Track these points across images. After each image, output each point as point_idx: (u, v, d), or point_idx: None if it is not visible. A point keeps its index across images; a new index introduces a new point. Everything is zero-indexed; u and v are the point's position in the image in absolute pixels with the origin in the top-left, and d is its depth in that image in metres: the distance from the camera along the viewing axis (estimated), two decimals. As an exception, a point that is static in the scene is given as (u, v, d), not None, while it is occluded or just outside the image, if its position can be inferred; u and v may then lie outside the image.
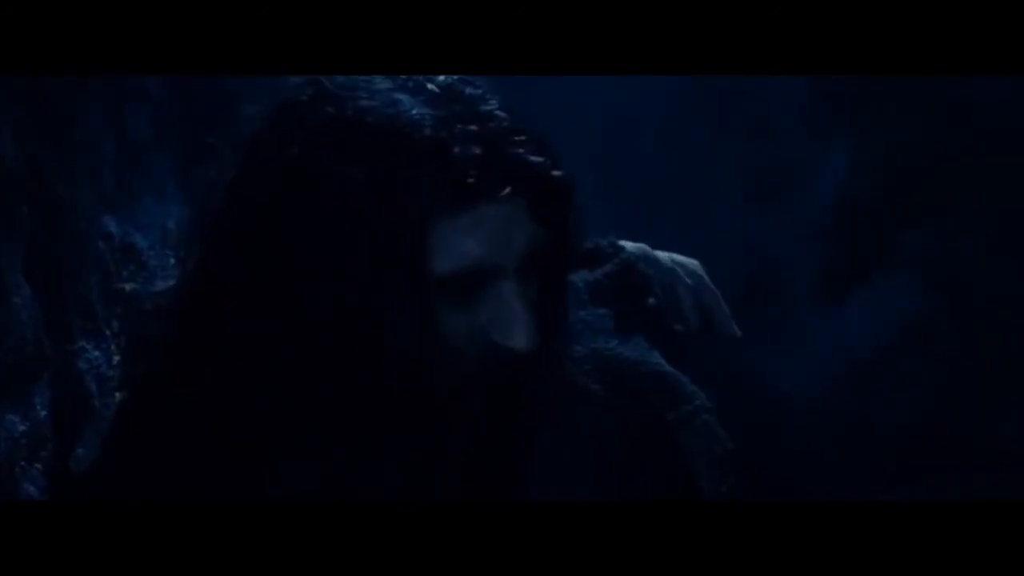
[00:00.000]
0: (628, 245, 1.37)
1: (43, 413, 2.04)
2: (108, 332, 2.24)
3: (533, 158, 1.11)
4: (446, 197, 1.08)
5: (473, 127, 1.10)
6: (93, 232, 2.23)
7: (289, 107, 1.13)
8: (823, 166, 3.31)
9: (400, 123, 1.09)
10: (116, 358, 2.23)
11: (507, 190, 1.10)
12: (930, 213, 3.16)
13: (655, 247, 1.38)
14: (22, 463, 1.98)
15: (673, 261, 1.34)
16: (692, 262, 1.34)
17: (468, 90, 1.14)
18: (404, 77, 1.13)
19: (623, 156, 3.58)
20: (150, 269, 2.31)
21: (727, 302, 1.36)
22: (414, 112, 1.09)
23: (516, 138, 1.11)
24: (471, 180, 1.08)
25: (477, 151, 1.09)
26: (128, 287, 2.24)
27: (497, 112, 1.12)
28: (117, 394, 2.16)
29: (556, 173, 1.14)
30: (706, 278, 1.32)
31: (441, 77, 1.14)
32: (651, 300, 1.29)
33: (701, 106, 3.44)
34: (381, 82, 1.13)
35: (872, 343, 3.22)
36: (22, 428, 1.99)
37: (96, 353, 2.20)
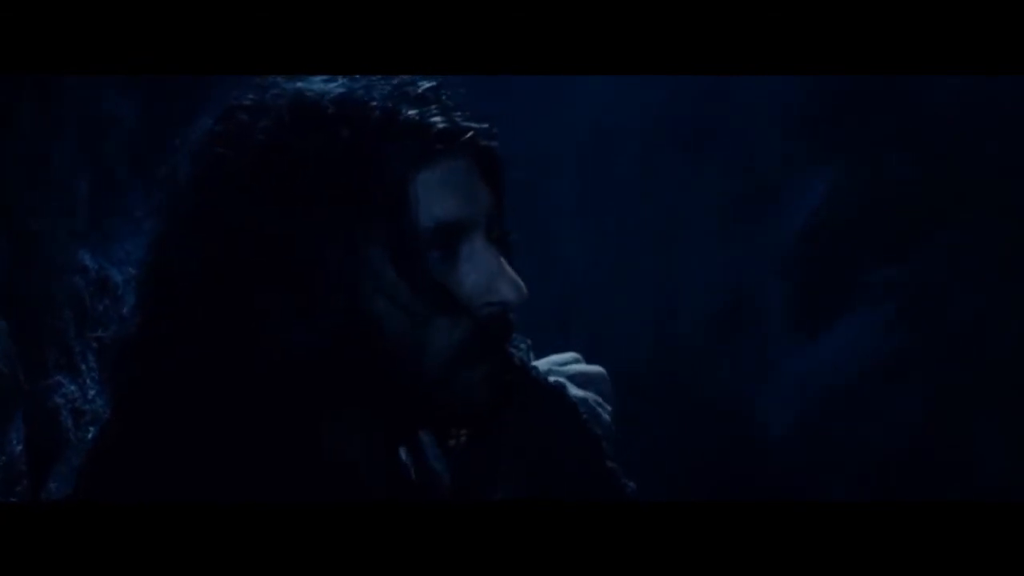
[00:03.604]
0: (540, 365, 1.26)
1: (18, 448, 2.03)
2: (83, 366, 2.23)
3: (472, 124, 1.19)
4: (413, 153, 1.16)
5: (419, 91, 1.19)
6: (68, 266, 2.22)
7: (237, 107, 1.19)
8: (801, 195, 3.33)
9: (357, 96, 1.17)
10: (91, 392, 2.22)
11: (466, 136, 1.17)
12: (904, 244, 3.18)
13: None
14: (-3, 498, 1.97)
15: (584, 388, 1.28)
16: (597, 372, 1.30)
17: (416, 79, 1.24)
18: None
19: (599, 184, 3.60)
20: (126, 304, 2.30)
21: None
22: (364, 88, 1.18)
23: (458, 114, 1.20)
24: (438, 128, 1.16)
25: (430, 109, 1.18)
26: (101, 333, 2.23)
27: (441, 94, 1.20)
28: (91, 429, 2.17)
29: (493, 144, 1.22)
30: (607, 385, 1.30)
31: None
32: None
33: (679, 136, 3.46)
34: None
35: (848, 372, 3.23)
36: (-3, 463, 1.98)
37: (72, 387, 2.19)
